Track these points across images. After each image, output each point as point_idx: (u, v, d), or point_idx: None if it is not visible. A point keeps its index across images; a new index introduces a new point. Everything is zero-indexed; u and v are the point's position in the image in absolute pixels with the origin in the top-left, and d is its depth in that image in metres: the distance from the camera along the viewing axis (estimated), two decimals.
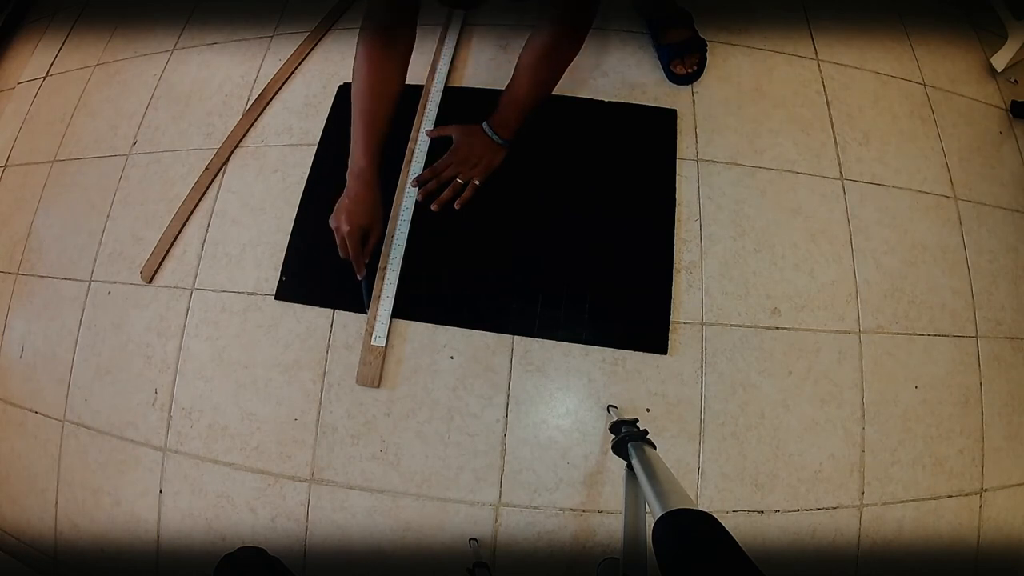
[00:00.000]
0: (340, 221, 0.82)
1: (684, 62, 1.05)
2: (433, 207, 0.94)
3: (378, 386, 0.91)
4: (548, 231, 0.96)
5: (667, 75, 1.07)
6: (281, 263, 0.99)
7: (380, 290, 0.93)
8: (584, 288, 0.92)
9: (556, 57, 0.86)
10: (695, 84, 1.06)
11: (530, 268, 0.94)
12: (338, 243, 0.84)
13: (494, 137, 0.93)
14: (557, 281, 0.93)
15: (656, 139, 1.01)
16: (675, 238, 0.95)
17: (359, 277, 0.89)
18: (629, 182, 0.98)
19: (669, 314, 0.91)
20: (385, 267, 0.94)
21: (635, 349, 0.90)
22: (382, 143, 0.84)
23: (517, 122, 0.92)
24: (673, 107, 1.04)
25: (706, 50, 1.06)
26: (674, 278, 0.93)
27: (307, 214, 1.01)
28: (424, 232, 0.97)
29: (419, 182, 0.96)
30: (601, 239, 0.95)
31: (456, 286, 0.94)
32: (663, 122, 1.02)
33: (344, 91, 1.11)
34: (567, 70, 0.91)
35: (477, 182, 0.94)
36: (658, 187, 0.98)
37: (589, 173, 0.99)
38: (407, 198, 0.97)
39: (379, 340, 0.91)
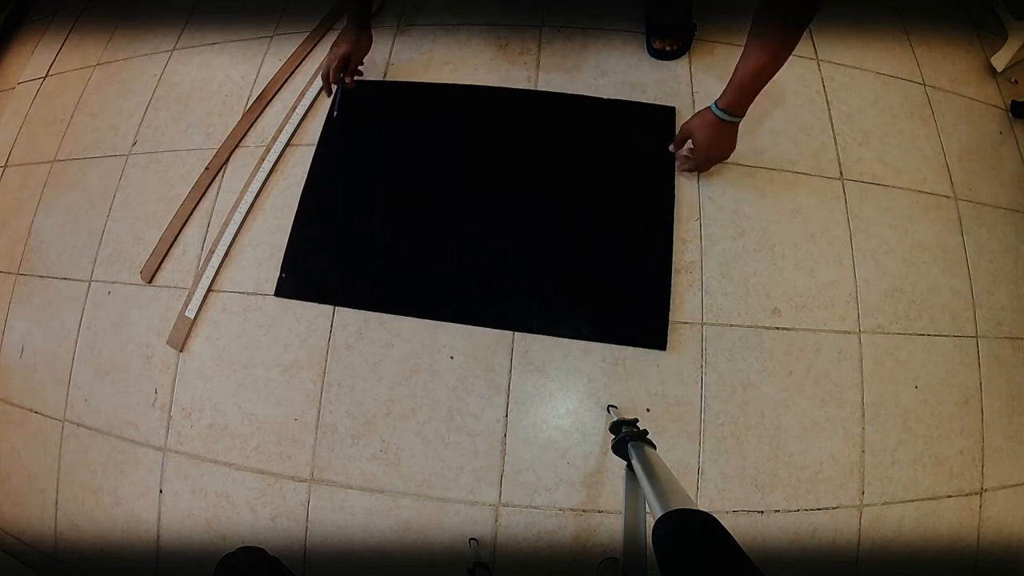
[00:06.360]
0: (331, 48, 1.00)
1: (665, 39, 1.06)
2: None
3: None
4: (546, 229, 0.96)
5: (647, 48, 1.08)
6: (280, 262, 0.99)
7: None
8: (583, 285, 0.92)
9: (783, 49, 0.82)
10: (694, 84, 1.06)
11: (529, 266, 0.94)
12: (324, 65, 1.01)
13: (730, 119, 0.90)
14: (556, 279, 0.93)
15: (655, 137, 1.01)
16: (675, 238, 0.95)
17: (335, 87, 1.04)
18: (627, 179, 0.98)
19: (668, 310, 0.91)
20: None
21: (634, 345, 0.90)
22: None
23: (748, 104, 0.89)
24: (672, 105, 1.03)
25: (693, 35, 1.07)
26: (674, 278, 0.93)
27: (307, 211, 1.01)
28: (420, 231, 0.97)
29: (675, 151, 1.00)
30: (601, 237, 0.95)
31: (455, 283, 0.94)
32: (662, 119, 1.02)
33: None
34: None
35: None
36: (656, 184, 0.98)
37: (587, 170, 0.99)
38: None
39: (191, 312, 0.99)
